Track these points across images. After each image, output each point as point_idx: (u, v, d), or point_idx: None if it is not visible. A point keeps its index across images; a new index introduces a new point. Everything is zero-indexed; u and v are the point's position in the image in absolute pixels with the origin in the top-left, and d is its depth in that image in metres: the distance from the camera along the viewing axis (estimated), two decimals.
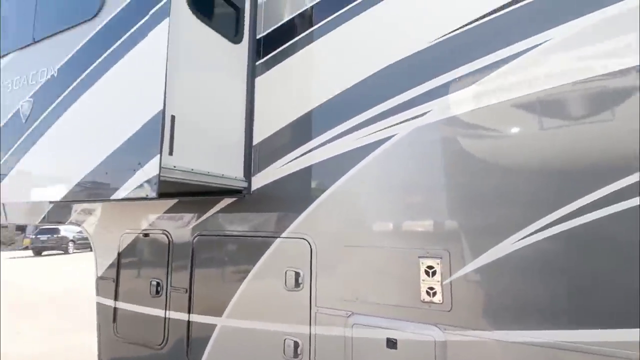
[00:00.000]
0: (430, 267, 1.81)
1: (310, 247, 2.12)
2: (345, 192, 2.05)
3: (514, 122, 1.74)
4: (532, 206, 1.64)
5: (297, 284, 2.13)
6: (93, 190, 1.94)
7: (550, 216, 1.60)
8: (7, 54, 2.55)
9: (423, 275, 1.82)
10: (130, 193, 1.75)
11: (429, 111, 1.89)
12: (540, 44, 1.67)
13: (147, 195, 1.69)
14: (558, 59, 1.63)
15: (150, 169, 1.68)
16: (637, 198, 1.46)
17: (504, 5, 1.78)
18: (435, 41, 1.91)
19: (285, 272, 2.17)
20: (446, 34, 1.89)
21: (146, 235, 2.83)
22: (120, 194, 1.79)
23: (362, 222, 2.02)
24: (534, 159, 1.66)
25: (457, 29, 1.87)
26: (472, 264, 1.74)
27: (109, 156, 1.85)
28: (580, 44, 1.60)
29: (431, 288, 1.80)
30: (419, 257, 1.84)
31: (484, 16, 1.82)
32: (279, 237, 2.23)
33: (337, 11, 2.21)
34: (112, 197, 1.83)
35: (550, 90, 1.64)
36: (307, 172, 2.17)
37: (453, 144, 1.86)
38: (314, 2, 2.29)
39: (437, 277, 1.79)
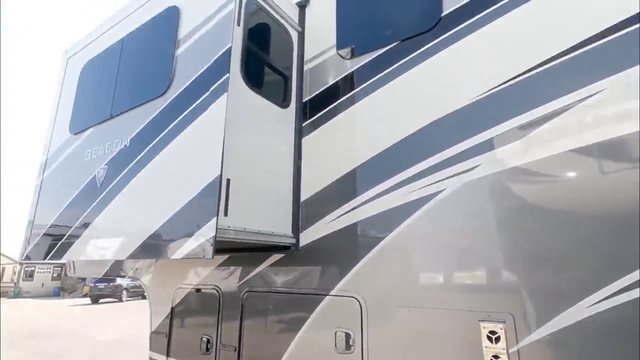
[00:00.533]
0: (493, 333, 1.67)
1: (361, 306, 2.06)
2: (395, 249, 2.01)
3: (574, 174, 1.66)
4: (607, 265, 1.50)
5: (347, 346, 2.05)
6: (154, 250, 2.08)
7: (630, 276, 1.45)
8: (87, 128, 2.93)
9: (485, 342, 1.68)
10: (189, 253, 1.85)
11: (477, 165, 1.86)
12: (588, 96, 1.63)
13: (204, 256, 1.78)
14: (610, 109, 1.57)
15: (208, 231, 1.78)
16: None
17: (548, 60, 1.78)
18: (480, 96, 1.93)
19: (335, 333, 2.10)
20: (490, 89, 1.90)
21: (198, 290, 2.92)
22: (180, 254, 1.89)
23: (414, 282, 1.95)
24: (606, 213, 1.55)
25: (501, 84, 1.88)
26: (542, 329, 1.58)
27: (171, 218, 1.99)
28: (630, 95, 1.54)
29: (496, 356, 1.65)
30: (480, 320, 1.71)
31: (528, 70, 1.82)
32: (328, 294, 2.19)
33: (380, 73, 2.32)
34: (171, 257, 1.94)
35: (610, 139, 1.57)
36: (354, 228, 2.18)
37: (507, 199, 1.80)
38: (357, 66, 2.44)
39: (502, 343, 1.64)
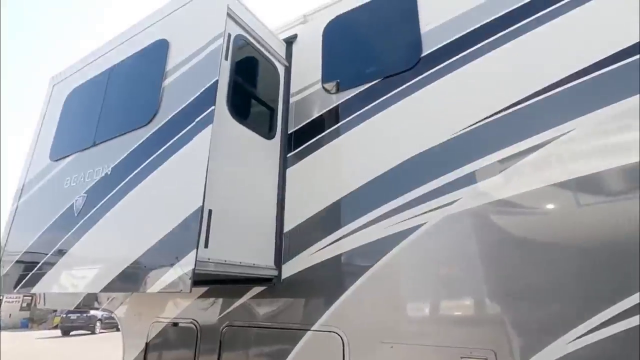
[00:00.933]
0: None
1: (343, 342, 2.00)
2: (376, 283, 2.00)
3: (552, 207, 1.71)
4: (588, 299, 1.52)
5: None
6: (130, 282, 2.01)
7: (610, 310, 1.47)
8: (68, 155, 2.89)
9: None
10: (166, 287, 1.79)
11: (458, 199, 1.91)
12: (563, 134, 1.71)
13: (181, 291, 1.72)
14: (583, 147, 1.65)
15: (187, 263, 1.74)
16: None
17: (526, 98, 1.88)
18: (460, 132, 2.00)
19: None
20: (470, 126, 1.98)
21: (175, 324, 2.80)
22: (156, 287, 1.83)
23: (396, 317, 1.93)
24: (585, 246, 1.59)
25: (480, 121, 1.96)
26: None
27: (149, 250, 1.94)
28: (601, 134, 1.63)
29: None
30: (462, 357, 1.69)
31: (507, 108, 1.91)
32: (309, 329, 2.14)
33: (363, 107, 2.40)
34: (148, 291, 1.87)
35: (586, 176, 1.64)
36: (337, 260, 2.16)
37: (488, 232, 1.83)
38: (341, 101, 2.52)
39: None
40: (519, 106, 1.87)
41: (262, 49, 2.65)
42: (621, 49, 1.70)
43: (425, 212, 1.96)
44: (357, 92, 2.46)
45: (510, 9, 2.09)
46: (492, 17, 2.13)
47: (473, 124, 1.96)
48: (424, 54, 2.27)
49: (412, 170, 2.07)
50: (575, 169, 1.66)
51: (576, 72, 1.76)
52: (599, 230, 1.57)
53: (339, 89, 2.58)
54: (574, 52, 1.81)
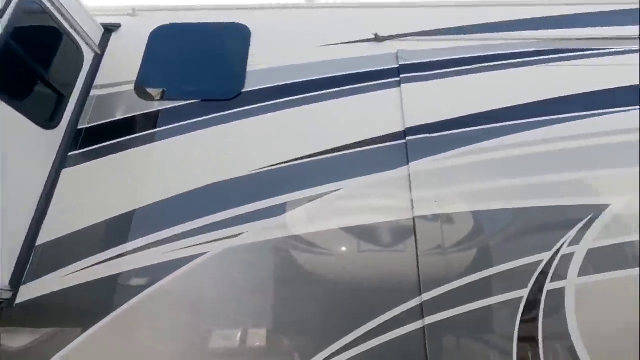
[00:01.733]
0: None
1: None
2: (136, 316, 1.80)
3: (317, 252, 1.95)
4: (330, 330, 1.74)
5: None
6: None
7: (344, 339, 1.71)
8: None
9: None
10: None
11: (243, 232, 1.97)
12: (333, 191, 2.03)
13: None
14: (342, 204, 2.00)
15: None
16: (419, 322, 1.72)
17: (316, 154, 2.15)
18: (259, 170, 2.11)
19: None
20: (268, 166, 2.11)
21: None
22: None
23: (153, 355, 1.76)
24: (328, 287, 1.85)
25: (274, 165, 2.12)
26: None
27: None
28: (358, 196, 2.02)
29: None
30: None
31: (298, 158, 2.14)
32: None
33: (173, 124, 2.28)
34: None
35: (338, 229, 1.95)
36: (98, 285, 1.85)
37: (264, 266, 1.94)
38: (151, 110, 2.33)
39: None
40: (308, 160, 2.12)
41: (67, 25, 2.23)
42: (384, 134, 2.18)
43: (209, 242, 1.94)
44: (170, 105, 2.34)
45: (327, 76, 2.44)
46: (310, 78, 2.43)
47: (269, 166, 2.11)
48: (246, 89, 2.37)
49: (203, 199, 2.03)
50: (336, 221, 1.97)
51: (351, 144, 2.15)
52: (339, 273, 1.87)
53: (153, 96, 2.40)
54: (354, 127, 2.22)
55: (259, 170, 2.10)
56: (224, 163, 2.14)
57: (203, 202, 2.03)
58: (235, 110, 2.28)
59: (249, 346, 1.79)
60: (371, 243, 1.94)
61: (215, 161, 2.16)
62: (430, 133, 2.18)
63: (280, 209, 2.00)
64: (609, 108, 2.25)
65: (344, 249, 1.94)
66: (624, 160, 2.07)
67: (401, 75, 2.36)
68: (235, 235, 1.96)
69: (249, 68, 2.44)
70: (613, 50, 2.48)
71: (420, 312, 1.74)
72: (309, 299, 1.85)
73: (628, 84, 2.32)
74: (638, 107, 2.24)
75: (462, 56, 2.48)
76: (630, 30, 2.55)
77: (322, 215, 2.00)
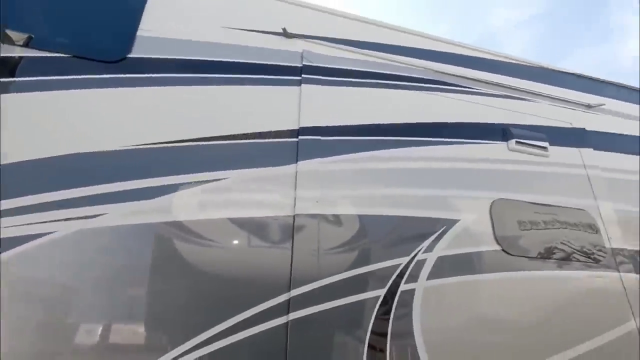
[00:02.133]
0: None
1: None
2: None
3: (193, 241, 1.83)
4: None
5: None
6: None
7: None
8: None
9: None
10: None
11: (104, 214, 1.74)
12: (215, 179, 1.94)
13: None
14: (224, 194, 1.93)
15: None
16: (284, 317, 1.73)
17: (205, 138, 2.03)
18: (132, 147, 1.89)
19: None
20: (141, 144, 1.91)
21: None
22: None
23: None
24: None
25: (158, 144, 1.94)
26: None
27: None
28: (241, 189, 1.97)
29: None
30: None
31: (182, 141, 1.99)
32: None
33: (32, 76, 1.90)
34: None
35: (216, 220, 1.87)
36: None
37: (125, 253, 1.74)
38: (11, 55, 1.91)
39: None
40: (192, 143, 1.99)
41: None
42: (278, 129, 2.17)
43: (57, 220, 1.66)
44: (39, 55, 1.95)
45: (226, 60, 2.31)
46: (208, 58, 2.27)
47: (147, 144, 1.92)
48: (132, 55, 2.11)
49: (59, 170, 1.74)
50: (214, 211, 1.89)
51: (242, 134, 2.09)
52: (209, 265, 1.80)
53: (20, 43, 1.96)
54: (247, 117, 2.16)
55: (133, 147, 1.88)
56: (92, 132, 1.87)
57: (57, 174, 1.73)
58: (115, 75, 2.01)
59: (92, 343, 1.58)
60: (248, 236, 1.91)
61: (81, 128, 1.87)
62: (322, 136, 2.25)
63: (152, 192, 1.83)
64: (472, 139, 2.65)
65: (218, 240, 1.86)
66: (476, 185, 2.46)
67: (303, 75, 2.39)
68: (93, 216, 1.72)
69: (139, 32, 2.17)
70: (483, 91, 2.93)
71: (287, 307, 1.78)
72: (172, 290, 1.72)
73: (492, 122, 2.78)
74: (495, 141, 2.69)
75: (363, 69, 2.63)
76: (499, 78, 3.05)
77: (199, 203, 1.89)
